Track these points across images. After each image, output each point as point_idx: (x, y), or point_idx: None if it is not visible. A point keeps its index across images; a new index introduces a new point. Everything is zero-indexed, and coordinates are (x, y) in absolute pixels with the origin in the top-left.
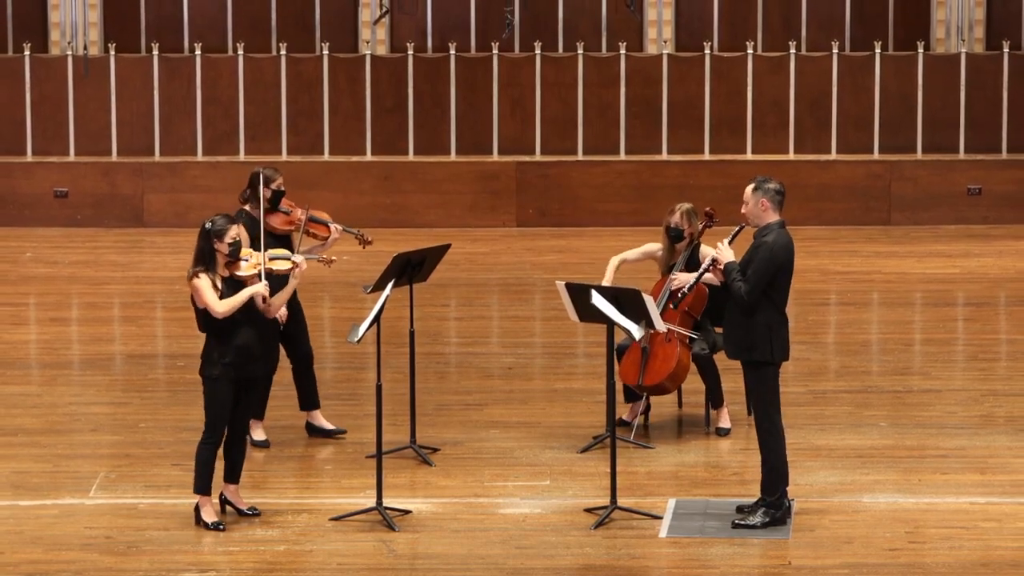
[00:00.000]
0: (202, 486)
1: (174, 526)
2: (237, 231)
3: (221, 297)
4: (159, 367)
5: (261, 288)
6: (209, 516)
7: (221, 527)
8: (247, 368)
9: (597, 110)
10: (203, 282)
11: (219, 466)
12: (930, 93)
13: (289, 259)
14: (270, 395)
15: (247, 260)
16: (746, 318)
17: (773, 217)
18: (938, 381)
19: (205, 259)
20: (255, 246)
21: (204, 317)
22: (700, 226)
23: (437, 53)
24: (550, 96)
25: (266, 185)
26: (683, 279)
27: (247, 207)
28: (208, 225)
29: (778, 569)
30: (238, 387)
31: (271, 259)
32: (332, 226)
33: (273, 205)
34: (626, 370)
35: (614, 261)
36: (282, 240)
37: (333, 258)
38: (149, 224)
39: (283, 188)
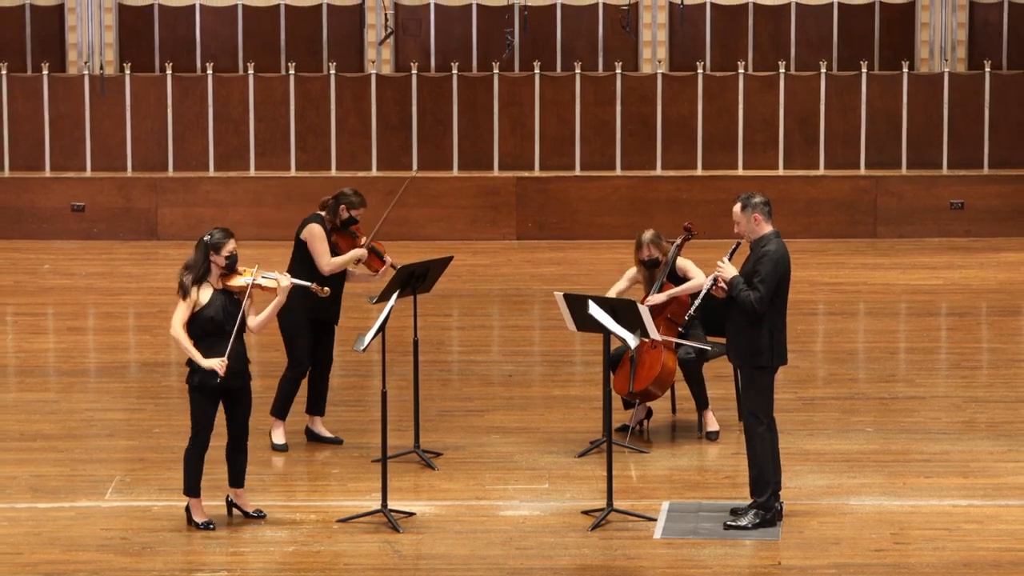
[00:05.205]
0: (191, 488)
1: (186, 528)
2: (234, 245)
3: (208, 304)
4: (172, 374)
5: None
6: (199, 516)
7: (211, 527)
8: (227, 380)
9: (594, 127)
10: (180, 305)
11: (222, 470)
12: (914, 111)
13: (275, 279)
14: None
15: (241, 273)
16: (754, 326)
17: (767, 228)
18: (922, 388)
19: (197, 269)
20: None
21: (190, 327)
22: (678, 241)
23: (440, 73)
24: (549, 114)
25: (348, 208)
26: (655, 300)
27: (323, 213)
28: (207, 238)
29: (768, 569)
30: (223, 397)
31: (262, 276)
32: (387, 261)
33: (343, 226)
34: (619, 383)
35: (611, 295)
36: None
37: (327, 289)
38: (163, 237)
39: (358, 219)
